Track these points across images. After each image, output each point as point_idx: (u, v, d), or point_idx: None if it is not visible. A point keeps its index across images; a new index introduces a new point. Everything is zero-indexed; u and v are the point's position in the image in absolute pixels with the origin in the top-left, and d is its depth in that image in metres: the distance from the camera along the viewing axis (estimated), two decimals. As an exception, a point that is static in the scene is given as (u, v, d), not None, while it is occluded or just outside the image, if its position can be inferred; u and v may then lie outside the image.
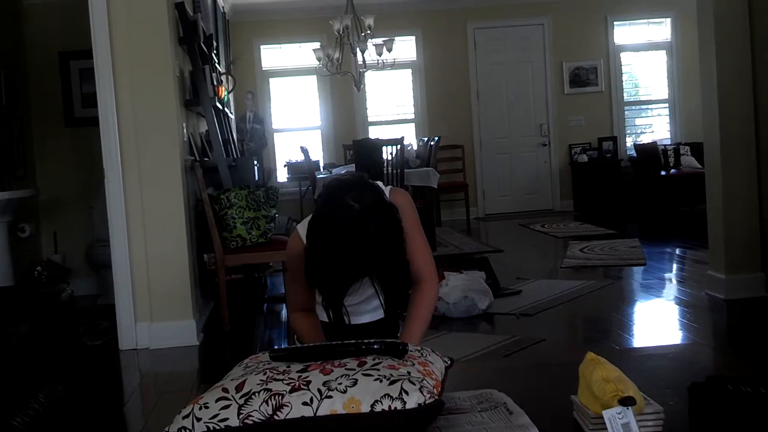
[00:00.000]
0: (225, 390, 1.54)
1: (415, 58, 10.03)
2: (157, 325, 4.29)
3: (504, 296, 4.87)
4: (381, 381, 1.48)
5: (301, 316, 2.09)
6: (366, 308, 2.13)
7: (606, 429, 1.45)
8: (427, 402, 1.45)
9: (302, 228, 1.98)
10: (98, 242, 5.65)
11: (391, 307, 2.06)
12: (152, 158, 4.29)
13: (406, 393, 1.45)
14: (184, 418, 1.52)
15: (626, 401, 1.46)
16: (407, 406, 1.43)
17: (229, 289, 4.62)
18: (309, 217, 1.94)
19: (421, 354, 1.66)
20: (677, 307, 4.59)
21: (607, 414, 1.46)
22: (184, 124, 4.73)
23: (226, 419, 1.48)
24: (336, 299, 1.92)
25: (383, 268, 1.86)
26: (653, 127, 10.54)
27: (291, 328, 2.03)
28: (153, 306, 4.30)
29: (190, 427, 1.50)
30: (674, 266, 6.12)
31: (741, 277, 4.45)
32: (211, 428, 1.48)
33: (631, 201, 9.52)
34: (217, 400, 1.52)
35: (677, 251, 6.64)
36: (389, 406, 1.43)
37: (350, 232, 1.74)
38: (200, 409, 1.51)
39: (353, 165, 7.14)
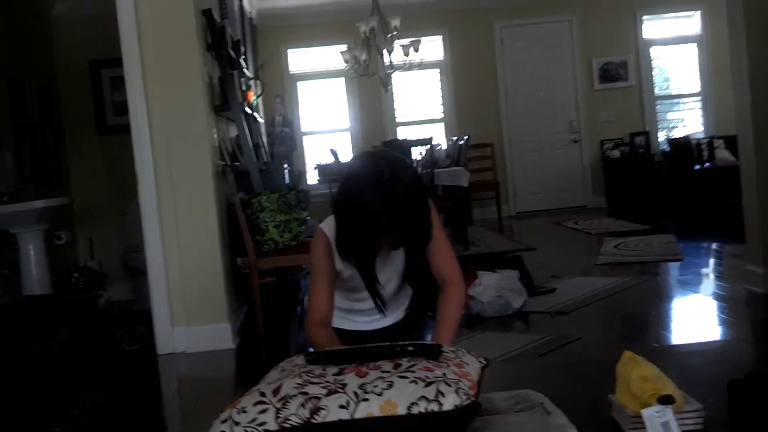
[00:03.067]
0: (262, 394, 1.55)
1: (442, 58, 10.00)
2: (194, 329, 4.32)
3: (538, 294, 4.83)
4: (417, 383, 1.47)
5: (320, 330, 2.07)
6: (389, 307, 2.13)
7: (645, 428, 1.44)
8: (463, 404, 1.44)
9: (324, 225, 2.03)
10: (132, 248, 5.72)
11: (418, 292, 2.07)
12: (184, 164, 4.32)
13: (443, 395, 1.44)
14: (222, 422, 1.53)
15: (665, 400, 1.44)
16: (444, 408, 1.43)
17: (262, 293, 4.64)
18: (330, 217, 1.95)
19: (456, 355, 1.65)
20: (715, 302, 4.51)
21: (646, 413, 1.44)
22: (215, 130, 4.77)
23: (264, 423, 1.48)
24: (368, 262, 1.93)
25: (407, 237, 1.89)
26: (685, 121, 10.40)
27: (309, 342, 2.03)
28: (188, 310, 4.33)
29: (229, 431, 1.51)
30: (711, 261, 6.03)
31: (780, 271, 4.37)
32: (250, 432, 1.49)
33: (665, 196, 9.39)
34: (254, 404, 1.52)
35: (714, 246, 6.54)
36: (426, 408, 1.43)
37: (377, 191, 1.80)
38: (238, 413, 1.52)
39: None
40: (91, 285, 5.39)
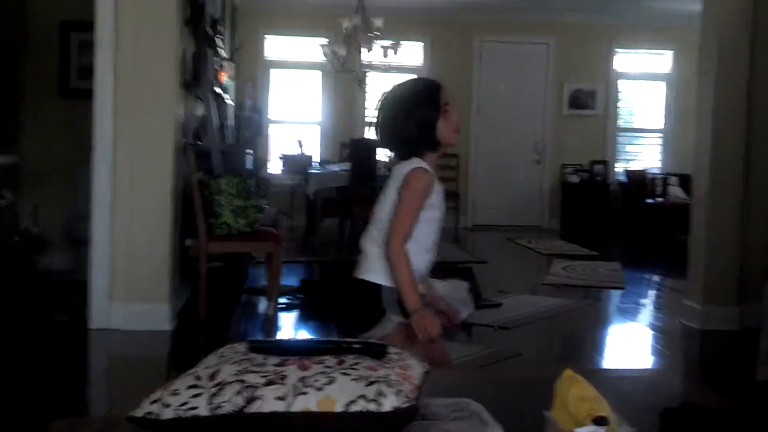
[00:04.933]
0: (198, 378, 1.51)
1: (420, 65, 10.03)
2: (131, 307, 4.21)
3: (484, 308, 4.87)
4: (358, 381, 1.46)
5: (404, 251, 2.13)
6: None
7: (578, 449, 1.45)
8: (402, 406, 1.44)
9: (423, 164, 2.17)
10: (78, 217, 5.58)
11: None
12: (144, 136, 4.23)
13: (383, 395, 1.43)
14: (152, 403, 1.48)
15: (600, 421, 1.46)
16: (382, 409, 1.42)
17: (209, 277, 4.55)
18: (416, 159, 2.17)
19: (401, 357, 1.65)
20: (651, 332, 4.61)
21: (579, 432, 1.46)
22: (181, 105, 4.70)
23: (195, 408, 1.45)
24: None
25: (381, 138, 2.24)
26: (644, 155, 10.60)
27: (393, 259, 2.10)
28: (128, 286, 4.22)
29: (158, 413, 1.46)
30: (652, 293, 6.15)
31: (716, 309, 4.48)
32: (180, 416, 1.45)
33: (617, 225, 9.56)
34: (188, 388, 1.49)
35: (656, 278, 6.67)
36: (364, 408, 1.42)
37: (379, 106, 2.23)
38: (170, 395, 1.48)
39: (348, 163, 7.13)
40: (30, 250, 5.24)
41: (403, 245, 2.11)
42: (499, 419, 1.59)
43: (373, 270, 2.18)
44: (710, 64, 4.52)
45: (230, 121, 7.38)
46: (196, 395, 1.46)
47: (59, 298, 4.80)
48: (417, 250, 2.17)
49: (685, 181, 8.37)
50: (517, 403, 1.83)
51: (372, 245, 2.21)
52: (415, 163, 2.15)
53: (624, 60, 10.36)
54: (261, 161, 8.61)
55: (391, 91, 2.22)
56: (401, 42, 7.89)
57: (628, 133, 10.55)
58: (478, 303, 4.82)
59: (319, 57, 8.17)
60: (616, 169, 10.28)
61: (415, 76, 2.37)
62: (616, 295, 5.68)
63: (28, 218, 6.05)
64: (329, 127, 9.88)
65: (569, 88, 10.20)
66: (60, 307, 4.58)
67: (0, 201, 5.39)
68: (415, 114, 2.14)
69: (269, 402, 1.44)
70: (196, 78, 5.01)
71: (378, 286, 2.16)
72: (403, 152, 2.19)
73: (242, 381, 1.48)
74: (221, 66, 6.32)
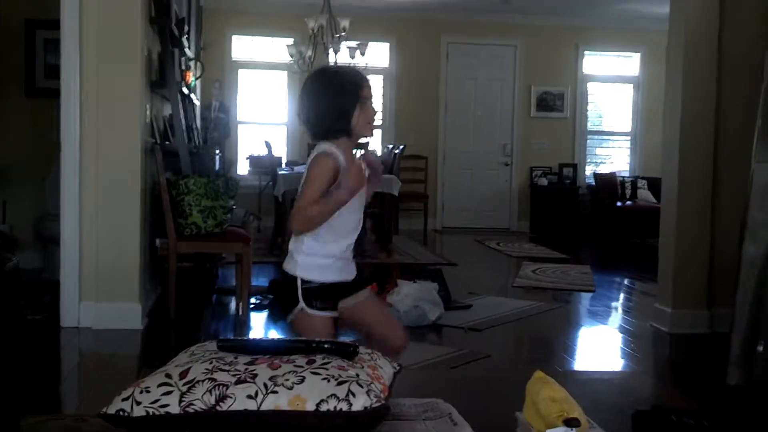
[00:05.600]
0: (168, 376, 1.51)
1: (387, 65, 10.04)
2: (102, 306, 4.20)
3: (454, 309, 4.87)
4: (329, 381, 1.46)
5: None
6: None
7: (549, 448, 1.45)
8: (373, 406, 1.43)
9: (329, 147, 2.19)
10: (48, 216, 5.52)
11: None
12: (112, 136, 4.20)
13: (353, 395, 1.43)
14: (123, 400, 1.48)
15: (571, 422, 1.47)
16: (353, 408, 1.42)
17: (178, 277, 4.53)
18: (325, 143, 2.19)
19: (371, 357, 1.64)
20: (621, 335, 4.64)
21: (551, 433, 1.46)
22: (148, 105, 4.66)
23: (166, 405, 1.45)
24: None
25: (300, 118, 2.31)
26: (613, 158, 10.71)
27: (303, 214, 2.15)
28: (99, 285, 4.20)
29: (129, 410, 1.46)
30: (622, 296, 6.21)
31: (686, 313, 4.52)
32: (151, 413, 1.45)
33: (586, 228, 9.64)
34: (159, 385, 1.48)
35: (626, 281, 6.73)
36: (335, 407, 1.42)
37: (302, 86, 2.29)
38: (141, 392, 1.48)
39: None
40: (-1, 248, 5.17)
41: (306, 211, 2.13)
42: (469, 419, 1.59)
43: (289, 262, 2.26)
44: (677, 66, 4.56)
45: (198, 122, 7.33)
46: (167, 393, 1.46)
47: (30, 296, 4.74)
48: (336, 238, 2.22)
49: (654, 185, 8.47)
50: (487, 404, 1.84)
51: (291, 240, 2.29)
52: (322, 147, 2.20)
53: (592, 62, 10.46)
54: (229, 162, 8.56)
55: (318, 72, 2.28)
56: (368, 42, 7.89)
57: (597, 136, 10.65)
58: (447, 304, 4.83)
59: (286, 57, 8.13)
60: (585, 173, 10.37)
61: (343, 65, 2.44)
62: (586, 298, 5.72)
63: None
64: (296, 128, 9.84)
65: (537, 90, 10.27)
66: (32, 306, 4.54)
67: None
68: (333, 98, 2.19)
69: (240, 400, 1.43)
70: (162, 78, 4.95)
71: (294, 278, 2.22)
72: (315, 132, 2.24)
73: (213, 379, 1.47)
74: (188, 66, 6.27)
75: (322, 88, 2.22)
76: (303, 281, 2.20)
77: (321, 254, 2.20)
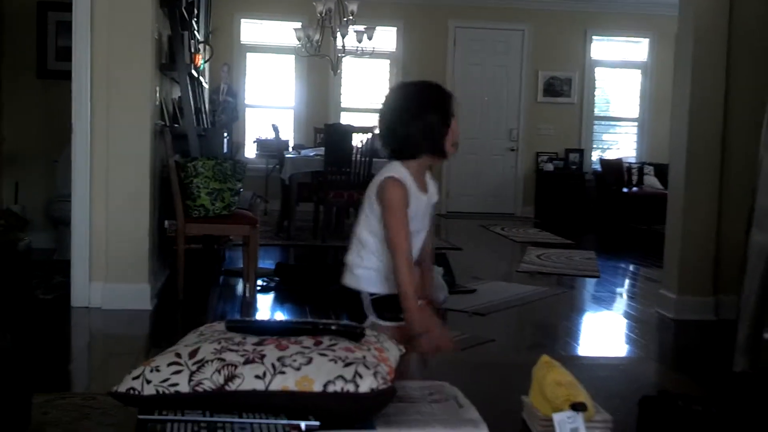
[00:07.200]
0: (178, 355, 1.53)
1: (394, 50, 10.01)
2: (112, 286, 4.24)
3: (459, 293, 4.90)
4: (336, 362, 1.48)
5: (411, 269, 2.07)
6: None
7: (554, 431, 1.48)
8: (379, 387, 1.46)
9: (394, 172, 2.10)
10: (59, 197, 5.56)
11: None
12: (122, 118, 4.22)
13: (360, 377, 1.46)
14: (134, 378, 1.51)
15: (578, 407, 1.49)
16: (360, 390, 1.44)
17: (187, 258, 4.58)
18: (393, 163, 2.12)
19: (378, 340, 1.67)
20: (626, 321, 4.66)
21: (557, 417, 1.49)
22: (158, 88, 4.67)
23: (176, 384, 1.47)
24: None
25: (382, 137, 2.19)
26: (620, 144, 10.69)
27: (403, 279, 2.04)
28: (109, 266, 4.24)
29: (139, 389, 1.49)
30: (627, 282, 6.22)
31: (691, 299, 4.53)
32: (161, 392, 1.47)
33: (592, 214, 9.64)
34: (169, 365, 1.51)
35: (631, 267, 6.74)
36: (342, 388, 1.44)
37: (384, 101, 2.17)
38: (151, 371, 1.50)
39: (323, 148, 7.12)
40: (11, 229, 5.22)
41: (405, 262, 2.05)
42: (475, 402, 1.61)
43: (350, 277, 2.18)
44: (687, 52, 4.54)
45: (206, 105, 7.34)
46: (177, 372, 1.49)
47: (42, 276, 4.79)
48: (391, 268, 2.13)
49: (661, 171, 8.45)
50: (493, 388, 1.86)
51: (350, 253, 2.21)
52: (391, 170, 2.11)
53: (600, 47, 10.41)
54: (237, 145, 8.58)
55: (403, 87, 2.17)
56: (375, 26, 7.87)
57: (604, 122, 10.62)
58: (452, 289, 4.85)
59: (293, 41, 8.12)
60: (592, 158, 10.35)
61: (425, 80, 2.24)
62: (591, 283, 5.74)
63: (9, 198, 6.02)
64: (303, 112, 9.85)
65: (544, 75, 10.24)
66: (43, 286, 4.59)
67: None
68: (424, 116, 2.09)
69: (248, 380, 1.46)
70: (172, 60, 4.97)
71: (357, 293, 2.16)
72: (400, 150, 2.13)
73: (222, 359, 1.50)
74: (197, 49, 6.28)
75: (410, 104, 2.11)
76: (371, 294, 2.14)
77: (386, 268, 2.12)
